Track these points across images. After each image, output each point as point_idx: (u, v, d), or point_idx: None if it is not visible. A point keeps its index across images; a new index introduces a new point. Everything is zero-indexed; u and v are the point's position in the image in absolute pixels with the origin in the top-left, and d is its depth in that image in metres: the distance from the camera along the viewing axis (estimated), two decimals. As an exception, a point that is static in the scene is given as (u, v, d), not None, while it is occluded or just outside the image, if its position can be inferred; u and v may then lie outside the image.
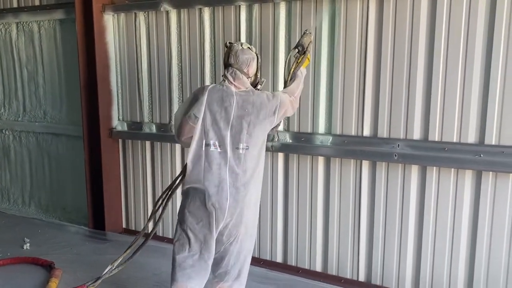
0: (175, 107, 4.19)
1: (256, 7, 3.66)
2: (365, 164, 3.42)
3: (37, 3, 4.92)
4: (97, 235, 4.60)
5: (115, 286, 3.46)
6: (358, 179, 3.46)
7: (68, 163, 5.07)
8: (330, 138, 3.48)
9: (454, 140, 3.06)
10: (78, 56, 4.41)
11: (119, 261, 3.27)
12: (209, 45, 3.95)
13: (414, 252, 3.33)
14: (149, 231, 3.31)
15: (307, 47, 2.98)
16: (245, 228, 2.72)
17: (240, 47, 2.74)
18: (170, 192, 3.14)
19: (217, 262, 2.78)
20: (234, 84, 2.72)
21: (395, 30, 3.18)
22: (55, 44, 4.89)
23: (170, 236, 4.29)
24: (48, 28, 4.89)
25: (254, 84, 2.82)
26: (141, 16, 4.24)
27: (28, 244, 4.33)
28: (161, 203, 3.18)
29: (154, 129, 4.34)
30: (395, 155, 3.22)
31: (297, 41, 3.08)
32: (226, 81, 2.73)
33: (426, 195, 3.22)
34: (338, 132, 3.46)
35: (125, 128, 4.52)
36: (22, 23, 5.03)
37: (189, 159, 2.69)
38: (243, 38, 3.76)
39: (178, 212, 2.78)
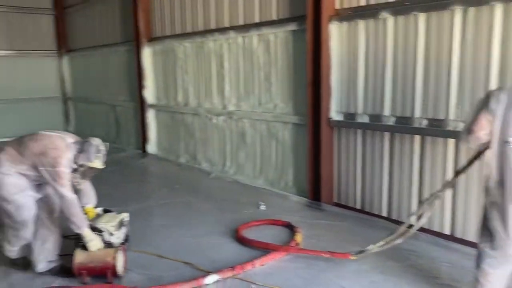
0: (387, 101, 4.83)
1: (471, 11, 4.03)
2: None
3: (274, 17, 6.12)
4: (314, 205, 5.59)
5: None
6: None
7: (292, 146, 6.15)
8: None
9: None
10: (306, 59, 5.44)
11: (384, 242, 3.67)
12: (422, 49, 4.45)
13: None
14: (418, 220, 3.50)
15: None
16: None
17: None
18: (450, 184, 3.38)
19: None
20: None
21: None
22: (287, 51, 5.99)
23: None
24: (282, 37, 6.03)
25: None
26: (361, 24, 5.01)
27: (263, 206, 5.59)
28: (434, 195, 3.41)
29: (366, 119, 5.08)
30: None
31: None
32: None
33: None
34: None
35: (341, 118, 5.37)
36: (261, 34, 6.31)
37: (490, 158, 2.75)
38: (455, 43, 4.18)
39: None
